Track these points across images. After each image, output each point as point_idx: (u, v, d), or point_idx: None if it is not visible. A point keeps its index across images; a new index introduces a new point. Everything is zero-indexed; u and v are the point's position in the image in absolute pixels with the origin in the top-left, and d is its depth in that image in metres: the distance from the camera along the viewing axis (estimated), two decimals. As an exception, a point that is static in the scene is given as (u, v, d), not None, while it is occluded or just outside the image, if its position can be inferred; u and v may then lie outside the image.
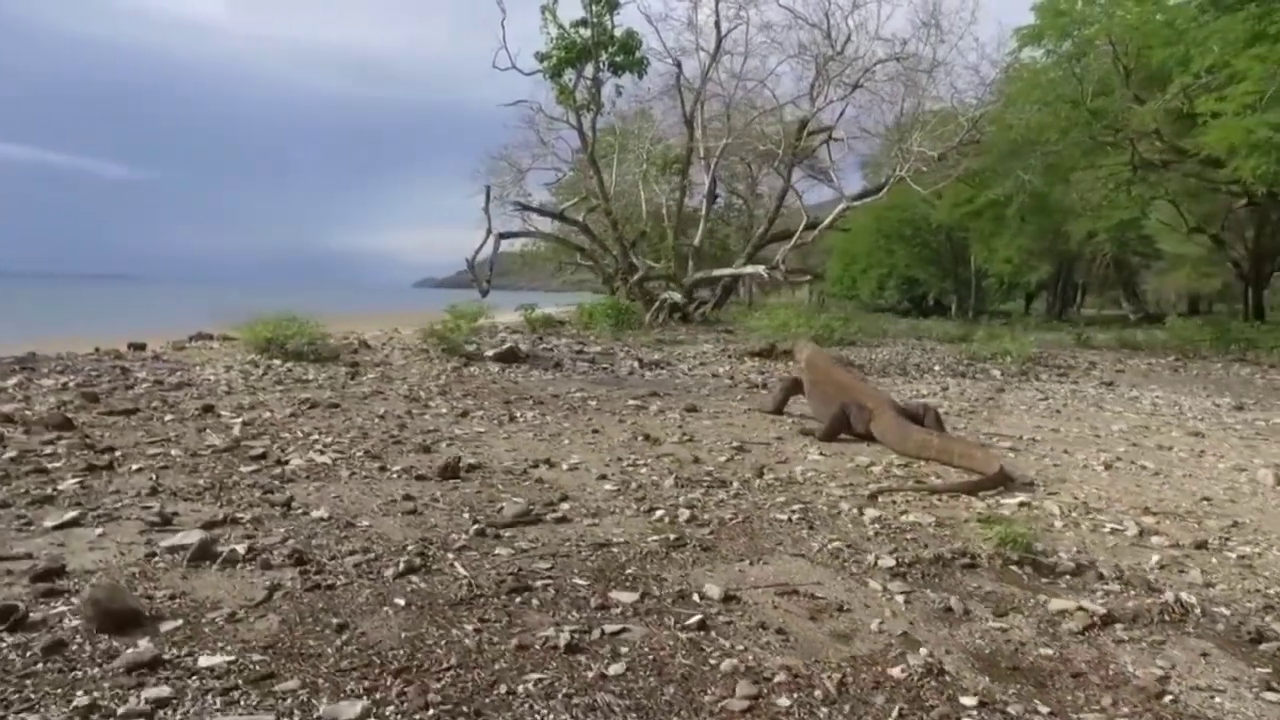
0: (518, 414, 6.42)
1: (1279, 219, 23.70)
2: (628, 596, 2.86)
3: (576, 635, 2.51)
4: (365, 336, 12.46)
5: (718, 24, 18.68)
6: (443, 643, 2.44)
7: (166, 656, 2.27)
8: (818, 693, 2.27)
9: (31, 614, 2.50)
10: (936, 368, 11.78)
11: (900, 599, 2.99)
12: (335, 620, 2.56)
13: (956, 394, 9.00)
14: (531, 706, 2.11)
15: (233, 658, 2.29)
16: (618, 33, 18.74)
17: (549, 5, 18.04)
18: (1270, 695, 2.38)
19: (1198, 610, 2.96)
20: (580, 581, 3.00)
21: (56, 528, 3.37)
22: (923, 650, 2.56)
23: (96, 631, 2.41)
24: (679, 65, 19.18)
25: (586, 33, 18.41)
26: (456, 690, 2.17)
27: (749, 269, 19.32)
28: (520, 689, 2.18)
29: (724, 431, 6.04)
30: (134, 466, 4.38)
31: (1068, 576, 3.28)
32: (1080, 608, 2.89)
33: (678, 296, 18.04)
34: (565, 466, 4.74)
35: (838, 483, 4.62)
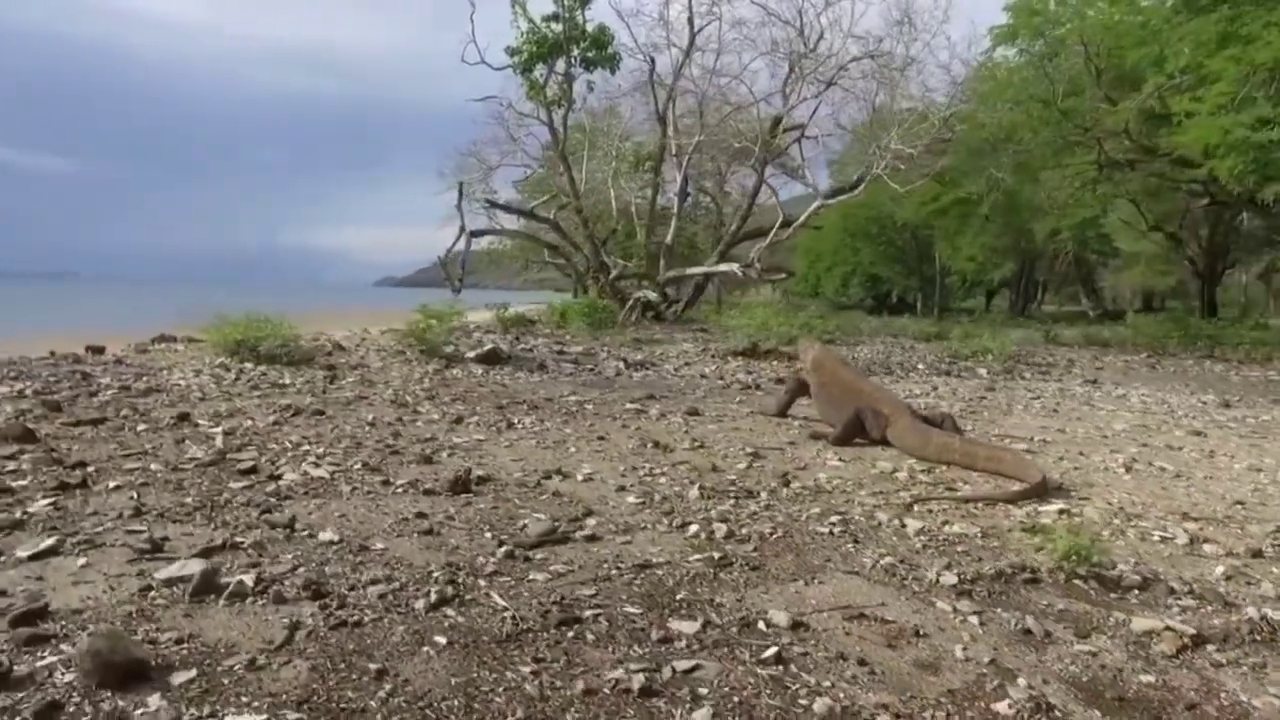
0: (515, 420, 6.12)
1: (1232, 218, 24.36)
2: (689, 626, 2.61)
3: (647, 675, 2.25)
4: (336, 337, 12.00)
5: (691, 19, 18.48)
6: (500, 689, 2.17)
7: (186, 718, 1.96)
8: (928, 737, 2.05)
9: (16, 668, 2.17)
10: (920, 366, 11.73)
11: (974, 620, 2.79)
12: (372, 665, 2.27)
13: (948, 393, 8.92)
14: (620, 767, 1.85)
15: (264, 717, 1.99)
16: (589, 28, 18.45)
17: (519, -1, 17.67)
18: (1395, 723, 2.23)
19: (1282, 626, 2.82)
20: (632, 610, 2.74)
21: (32, 558, 3.00)
22: (1021, 681, 2.36)
23: (97, 688, 2.09)
24: (652, 61, 18.94)
25: (558, 27, 18.07)
26: (530, 749, 1.90)
27: (723, 267, 19.16)
28: (602, 745, 1.93)
29: (733, 436, 5.81)
30: (111, 484, 4.00)
31: (1136, 591, 3.12)
32: (1168, 628, 2.71)
33: (653, 295, 17.81)
34: (580, 477, 4.47)
35: (867, 491, 4.42)
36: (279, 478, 4.21)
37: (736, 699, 2.18)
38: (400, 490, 4.08)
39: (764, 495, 4.24)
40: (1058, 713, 2.20)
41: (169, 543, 3.21)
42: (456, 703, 2.09)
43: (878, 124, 17.72)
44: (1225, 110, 11.22)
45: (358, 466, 4.50)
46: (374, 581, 2.86)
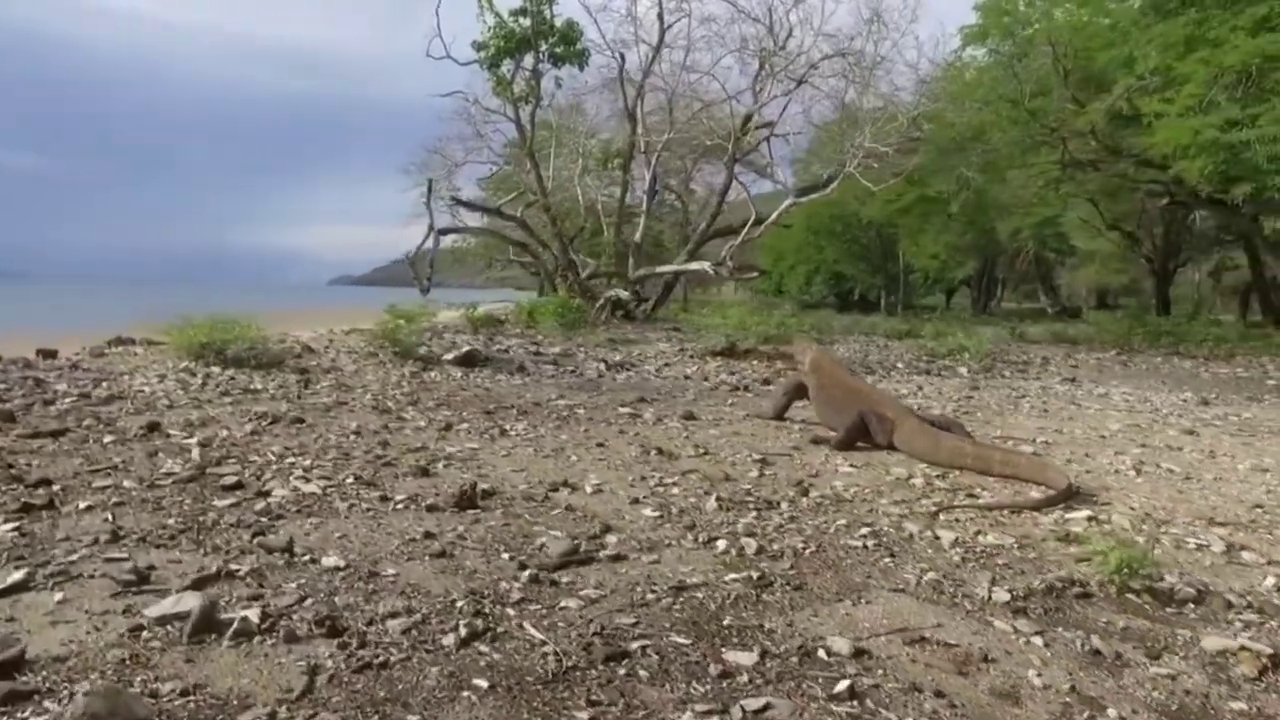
0: (507, 426, 5.86)
1: (1184, 217, 24.99)
2: (745, 657, 2.41)
3: (717, 718, 2.04)
4: (302, 338, 11.55)
5: (661, 16, 18.28)
6: (559, 741, 1.94)
7: (208, 791, 1.70)
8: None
9: (-2, 731, 1.88)
10: (899, 365, 11.71)
11: (1038, 642, 2.64)
12: (410, 716, 2.02)
13: (934, 393, 8.87)
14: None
15: (299, 786, 1.73)
16: (558, 23, 18.15)
17: (486, -9, 17.29)
18: None
19: (1348, 640, 2.72)
20: (680, 639, 2.53)
21: (2, 593, 2.68)
22: (1110, 711, 2.20)
23: (97, 755, 1.81)
24: (622, 57, 18.69)
25: (526, 22, 17.73)
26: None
27: (694, 266, 19.01)
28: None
29: (735, 442, 5.63)
30: (81, 504, 3.65)
31: (1191, 605, 3.00)
32: (1243, 647, 2.59)
33: (624, 294, 17.58)
34: (588, 489, 4.24)
35: (887, 499, 4.27)
36: (267, 494, 3.90)
37: (820, 744, 1.98)
38: (401, 506, 3.81)
39: (785, 506, 4.05)
40: (1159, 748, 2.05)
41: (155, 572, 2.90)
42: (514, 760, 1.86)
43: (848, 122, 17.73)
44: (1194, 112, 11.38)
45: (350, 480, 4.20)
46: (393, 614, 2.60)
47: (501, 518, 3.70)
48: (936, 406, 7.63)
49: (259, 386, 7.10)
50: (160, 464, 4.41)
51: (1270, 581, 3.23)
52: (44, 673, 2.18)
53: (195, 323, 8.29)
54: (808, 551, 3.39)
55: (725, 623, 2.68)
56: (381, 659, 2.31)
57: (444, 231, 17.00)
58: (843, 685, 2.24)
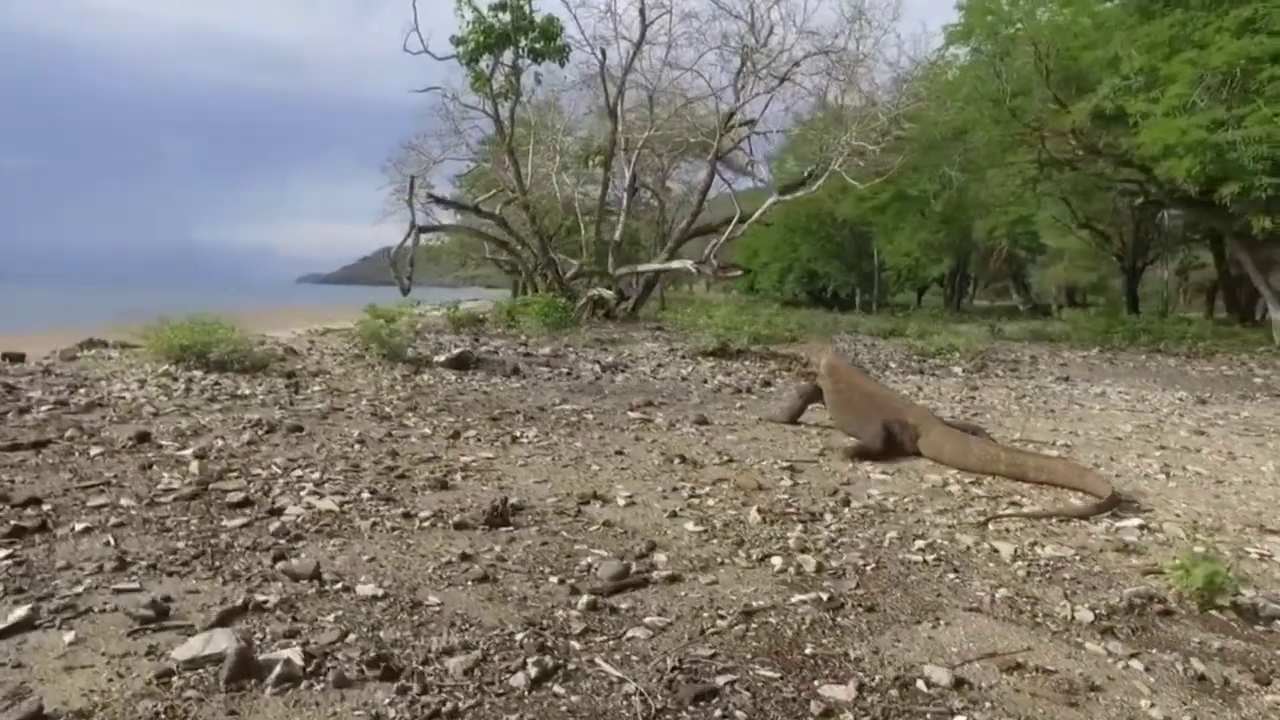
0: (517, 433, 5.61)
1: (1153, 216, 25.40)
2: (842, 692, 2.22)
3: (838, 770, 1.85)
4: (281, 340, 11.15)
5: (643, 11, 18.05)
6: (673, 803, 1.73)
7: None
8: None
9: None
10: (892, 365, 11.64)
11: (1137, 666, 2.49)
12: (499, 775, 1.80)
13: (934, 394, 8.78)
14: None
15: None
16: (538, 18, 17.84)
17: (466, -14, 16.93)
18: None
19: None
20: (767, 672, 2.33)
21: (4, 633, 2.40)
22: (1244, 749, 2.05)
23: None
24: (603, 54, 18.43)
25: (506, 17, 17.39)
26: None
27: (676, 264, 18.85)
28: None
29: (756, 448, 5.44)
30: (77, 525, 3.35)
31: (1278, 623, 2.88)
32: (1355, 670, 2.46)
33: (608, 293, 17.35)
34: (620, 502, 4.02)
35: (930, 509, 4.11)
36: (280, 512, 3.63)
37: (956, 797, 1.80)
38: (427, 524, 3.56)
39: (829, 518, 3.88)
40: (1311, 790, 1.90)
41: (174, 605, 2.63)
42: (629, 828, 1.65)
43: (832, 120, 17.67)
44: (1180, 112, 11.46)
45: (366, 495, 3.94)
46: (449, 651, 2.37)
47: (538, 535, 3.47)
48: (944, 408, 7.53)
49: (246, 392, 6.76)
50: (157, 479, 4.10)
51: (1349, 594, 3.13)
52: (68, 731, 1.92)
53: (174, 325, 7.90)
54: (869, 568, 3.22)
55: (808, 651, 2.49)
56: (449, 706, 2.08)
57: (424, 230, 16.62)
58: (959, 725, 2.07)
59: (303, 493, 3.94)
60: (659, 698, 2.16)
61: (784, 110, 19.36)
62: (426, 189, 21.62)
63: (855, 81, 17.28)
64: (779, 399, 7.78)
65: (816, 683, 2.28)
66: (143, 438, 4.91)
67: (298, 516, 3.57)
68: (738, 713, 2.11)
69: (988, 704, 2.22)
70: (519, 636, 2.48)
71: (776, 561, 3.24)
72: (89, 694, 2.10)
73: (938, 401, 8.12)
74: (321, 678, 2.20)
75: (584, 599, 2.76)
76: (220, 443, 4.94)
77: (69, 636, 2.40)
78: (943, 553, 3.43)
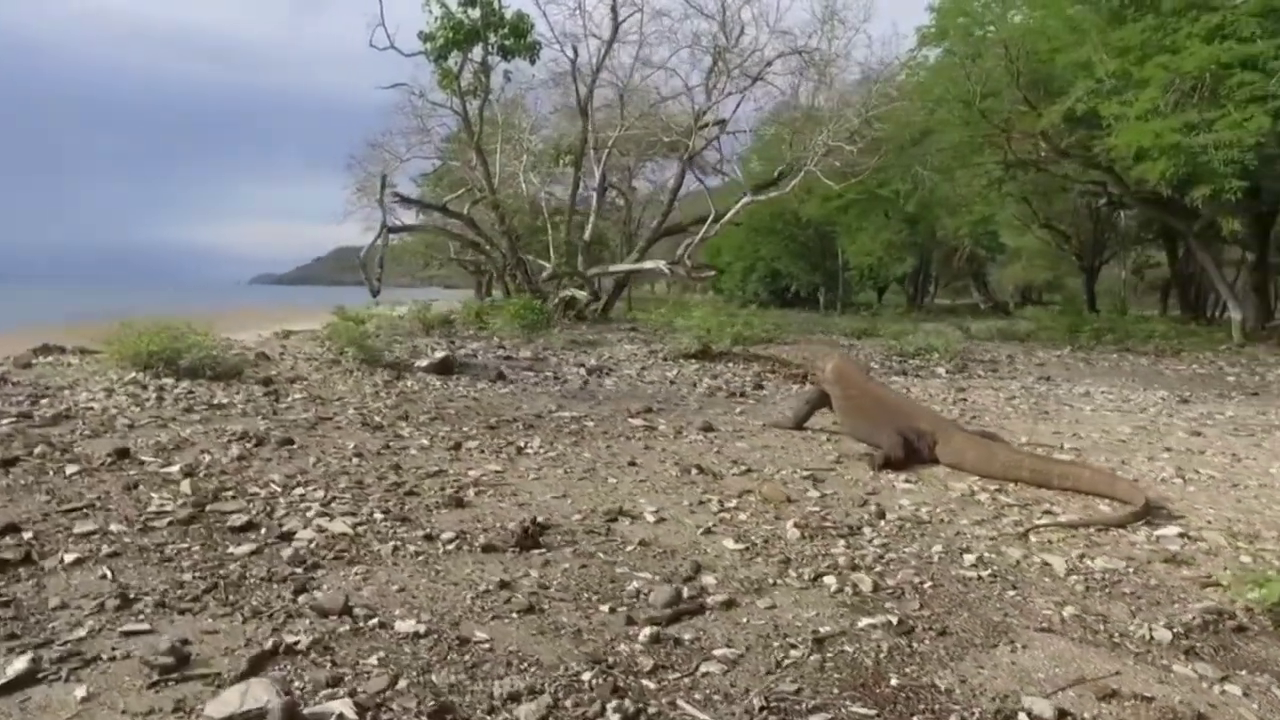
0: (520, 443, 5.37)
1: (1111, 216, 26.01)
2: (947, 734, 2.06)
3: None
4: (248, 343, 10.72)
5: (615, 9, 17.85)
6: None
7: None
8: None
9: None
10: (874, 365, 11.60)
11: (1234, 690, 2.38)
12: None
13: (923, 396, 8.74)
14: None
15: None
16: (508, 14, 17.52)
17: (434, -19, 16.54)
18: None
19: None
20: (860, 709, 2.16)
21: (3, 690, 2.12)
22: (1379, 784, 1.94)
23: None
24: (575, 51, 18.18)
25: (475, 13, 17.04)
26: None
27: (649, 265, 18.69)
28: None
29: (770, 457, 5.29)
30: (67, 556, 3.05)
31: (1353, 636, 2.81)
32: None
33: (581, 294, 17.10)
34: (650, 518, 3.83)
35: (966, 520, 4.00)
36: (290, 537, 3.36)
37: None
38: (452, 547, 3.32)
39: (868, 531, 3.74)
40: None
41: (193, 649, 2.37)
42: None
43: (805, 120, 17.67)
44: (1152, 116, 11.64)
45: (379, 516, 3.69)
46: (514, 697, 2.16)
47: (573, 558, 3.26)
48: (941, 412, 7.47)
49: (224, 401, 6.41)
50: (146, 500, 3.79)
51: None
52: (100, 811, 1.67)
53: (140, 329, 7.48)
54: (926, 586, 3.08)
55: (894, 683, 2.33)
56: (532, 764, 1.87)
57: (394, 230, 16.20)
58: (1085, 768, 1.92)
59: (310, 513, 3.67)
60: (757, 746, 1.98)
61: (755, 110, 19.28)
62: (392, 188, 21.18)
63: (828, 82, 17.33)
64: (776, 403, 7.66)
65: (915, 719, 2.13)
66: (122, 453, 4.57)
67: (310, 541, 3.30)
68: (847, 761, 1.94)
69: (1100, 740, 2.08)
70: (586, 676, 2.28)
71: (830, 581, 3.08)
72: (116, 762, 1.85)
73: (929, 403, 8.07)
74: (380, 734, 1.97)
75: (645, 631, 2.57)
76: (207, 458, 4.62)
77: (80, 691, 2.13)
78: (995, 568, 3.31)
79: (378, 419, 6.04)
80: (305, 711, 2.02)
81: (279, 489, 4.05)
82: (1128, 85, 12.31)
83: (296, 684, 2.19)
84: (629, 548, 3.41)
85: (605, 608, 2.77)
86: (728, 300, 35.72)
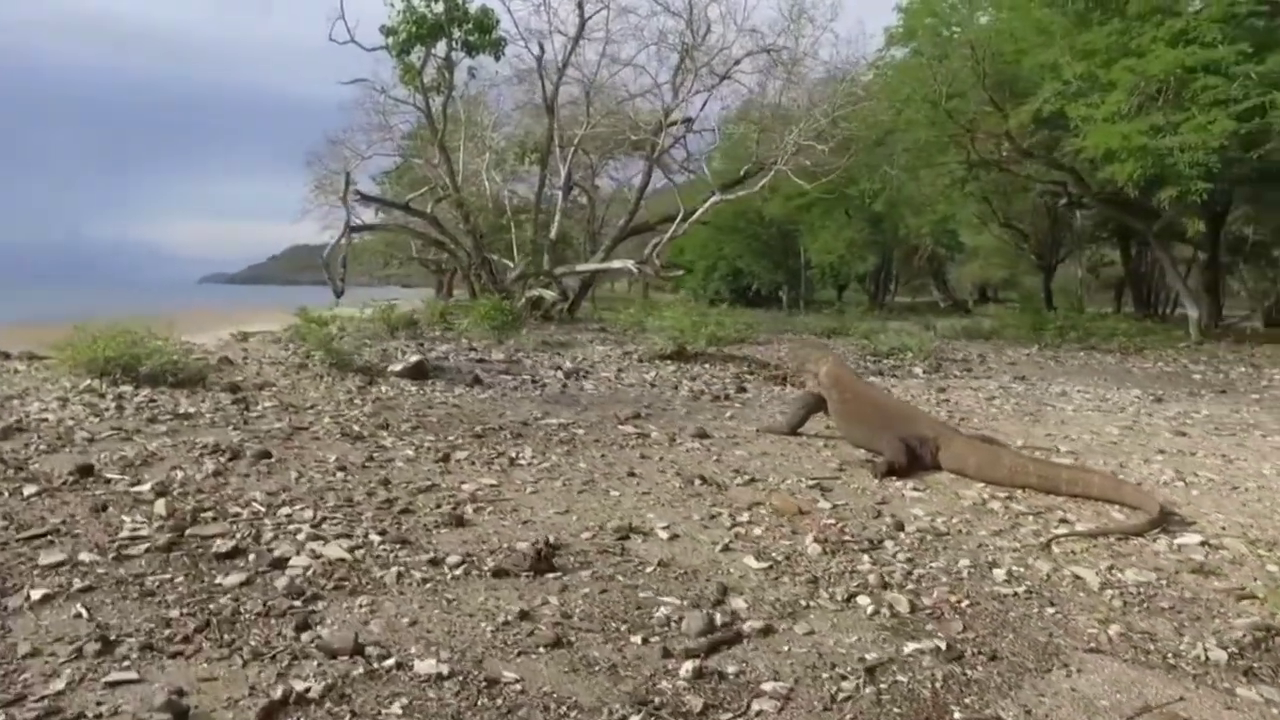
0: (511, 454, 5.14)
1: (1069, 216, 26.55)
2: (1031, 777, 1.92)
3: None
4: (209, 346, 10.28)
5: (580, 5, 17.59)
6: None
7: None
8: None
9: None
10: (850, 366, 11.57)
11: (1302, 716, 2.28)
12: None
13: (904, 397, 8.71)
14: None
15: None
16: (472, 9, 17.15)
17: (397, -27, 16.10)
18: None
19: None
20: (933, 754, 2.01)
21: (-25, 760, 1.87)
22: None
23: None
24: (541, 48, 17.88)
25: (439, 7, 16.63)
26: None
27: (617, 264, 18.50)
28: None
29: (771, 465, 5.14)
30: (34, 592, 2.76)
31: (1399, 649, 2.75)
32: None
33: (550, 294, 16.84)
34: (662, 535, 3.65)
35: (985, 530, 3.90)
36: (283, 564, 3.10)
37: None
38: (460, 573, 3.10)
39: (889, 545, 3.61)
40: None
41: (192, 702, 2.13)
42: None
43: (773, 118, 17.64)
44: (1119, 118, 11.81)
45: (376, 538, 3.44)
46: (559, 748, 1.96)
47: (591, 582, 3.06)
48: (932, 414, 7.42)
49: (190, 410, 6.05)
50: (118, 523, 3.49)
51: None
52: None
53: (96, 333, 7.05)
54: (964, 605, 2.95)
55: (957, 717, 2.19)
56: (596, 832, 1.68)
57: (357, 229, 15.74)
58: (1186, 814, 1.80)
59: (300, 536, 3.41)
60: (835, 800, 1.81)
61: (722, 109, 19.21)
62: (353, 185, 20.63)
63: (796, 80, 17.32)
64: (763, 406, 7.55)
65: (994, 763, 1.99)
66: (85, 470, 4.23)
67: (306, 569, 3.05)
68: (934, 815, 1.79)
69: (1187, 778, 1.96)
70: (633, 721, 2.09)
71: (865, 602, 2.94)
72: (116, 847, 1.61)
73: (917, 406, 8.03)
74: (418, 800, 1.76)
75: (686, 665, 2.39)
76: (180, 474, 4.31)
77: (65, 758, 1.88)
78: (1029, 583, 3.20)
79: (356, 428, 5.75)
80: (330, 776, 1.80)
81: (262, 508, 3.78)
82: (1094, 88, 12.47)
83: (314, 741, 1.97)
84: (648, 569, 3.22)
85: (637, 638, 2.59)
86: (693, 299, 35.67)
